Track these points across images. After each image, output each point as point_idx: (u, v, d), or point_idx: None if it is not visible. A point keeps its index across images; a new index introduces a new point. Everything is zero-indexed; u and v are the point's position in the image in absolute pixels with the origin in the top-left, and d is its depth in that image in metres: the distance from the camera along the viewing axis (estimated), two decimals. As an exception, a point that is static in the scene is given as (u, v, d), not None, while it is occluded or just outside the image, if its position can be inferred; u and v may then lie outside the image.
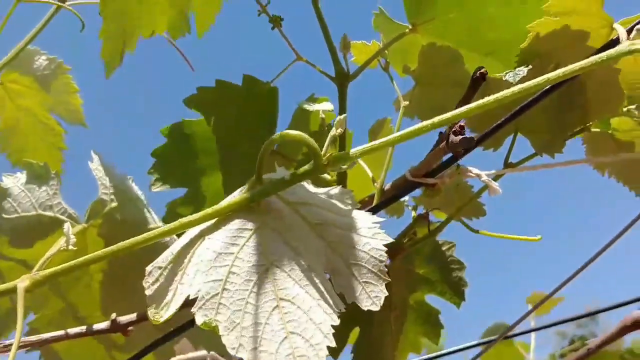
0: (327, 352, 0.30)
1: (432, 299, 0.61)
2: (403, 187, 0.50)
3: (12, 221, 0.53)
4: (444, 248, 0.60)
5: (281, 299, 0.31)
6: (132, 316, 0.46)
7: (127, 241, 0.35)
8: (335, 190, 0.38)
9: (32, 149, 0.76)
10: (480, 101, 0.32)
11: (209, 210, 0.35)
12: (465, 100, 0.45)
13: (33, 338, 0.46)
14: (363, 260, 0.33)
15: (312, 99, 0.64)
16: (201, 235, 0.34)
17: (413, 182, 0.48)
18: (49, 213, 0.53)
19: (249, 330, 0.30)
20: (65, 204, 0.54)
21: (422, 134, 0.33)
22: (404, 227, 0.60)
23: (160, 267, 0.34)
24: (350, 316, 0.59)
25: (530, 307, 0.93)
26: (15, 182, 0.53)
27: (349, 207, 0.37)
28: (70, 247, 0.40)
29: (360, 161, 0.64)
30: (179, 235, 0.36)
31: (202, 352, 0.57)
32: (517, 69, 0.46)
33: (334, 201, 0.37)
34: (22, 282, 0.36)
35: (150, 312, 0.32)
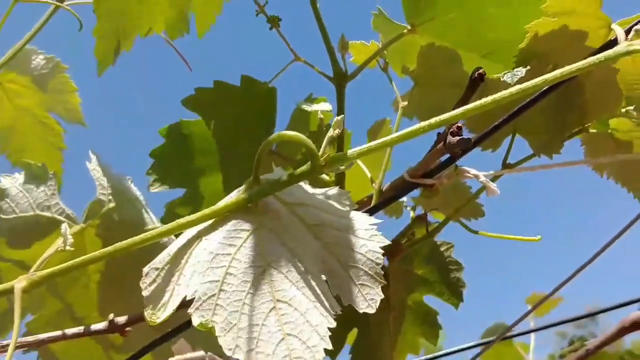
0: (323, 354, 0.30)
1: (431, 300, 0.61)
2: (401, 187, 0.50)
3: (10, 221, 0.52)
4: (442, 249, 0.60)
5: (278, 300, 0.31)
6: (130, 317, 0.46)
7: (125, 242, 0.35)
8: (333, 191, 0.38)
9: (31, 148, 0.76)
10: (478, 102, 0.32)
11: (206, 210, 0.35)
12: (464, 100, 0.45)
13: (30, 338, 0.46)
14: (360, 262, 0.33)
15: (311, 99, 0.64)
16: (198, 236, 0.34)
17: (411, 183, 0.48)
18: (46, 213, 0.53)
19: (245, 332, 0.30)
20: (63, 204, 0.53)
21: (419, 134, 0.33)
22: (402, 228, 0.60)
23: (157, 268, 0.34)
24: (348, 317, 0.59)
25: (529, 307, 0.93)
26: (13, 182, 0.53)
27: (347, 208, 0.36)
28: (68, 247, 0.40)
29: (359, 162, 0.64)
30: (177, 236, 0.36)
31: (200, 353, 0.57)
32: (515, 70, 0.46)
33: (331, 202, 0.37)
34: (19, 283, 0.36)
35: (147, 313, 0.32)
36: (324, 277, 0.33)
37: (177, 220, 0.34)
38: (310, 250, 0.34)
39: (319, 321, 0.30)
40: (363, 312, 0.32)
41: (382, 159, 0.60)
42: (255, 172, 0.35)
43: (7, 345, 0.44)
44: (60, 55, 0.74)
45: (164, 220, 0.60)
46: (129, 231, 0.52)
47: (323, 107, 0.60)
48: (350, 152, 0.34)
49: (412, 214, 0.60)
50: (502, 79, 0.46)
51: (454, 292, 0.59)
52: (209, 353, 0.57)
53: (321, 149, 0.34)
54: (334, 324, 0.31)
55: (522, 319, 0.66)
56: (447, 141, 0.39)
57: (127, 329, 0.46)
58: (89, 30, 0.57)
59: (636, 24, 0.41)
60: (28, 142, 0.75)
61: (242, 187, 0.36)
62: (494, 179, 0.48)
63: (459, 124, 0.39)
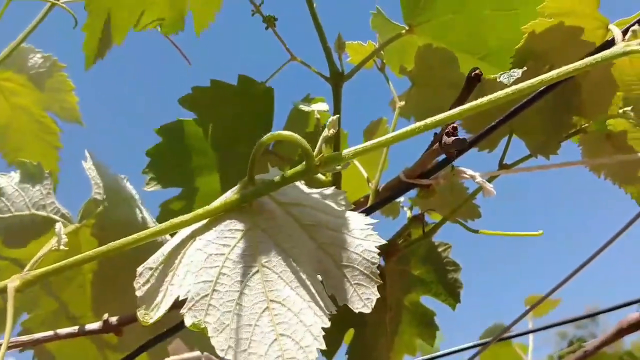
0: (317, 355, 0.29)
1: (430, 301, 0.61)
2: (397, 188, 0.50)
3: (5, 220, 0.52)
4: (439, 249, 0.60)
5: (271, 300, 0.31)
6: (125, 316, 0.46)
7: (118, 241, 0.34)
8: (329, 190, 0.38)
9: (27, 147, 0.76)
10: (474, 102, 0.32)
11: (200, 210, 0.34)
12: (460, 101, 0.45)
13: (24, 338, 0.46)
14: (355, 262, 0.33)
15: (308, 99, 0.64)
16: (192, 236, 0.34)
17: (407, 183, 0.48)
18: (42, 212, 0.53)
19: (238, 332, 0.30)
20: (58, 203, 0.53)
21: (415, 135, 0.33)
22: (399, 228, 0.60)
23: (151, 268, 0.34)
24: (345, 317, 0.59)
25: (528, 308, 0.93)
26: (9, 181, 0.53)
27: (342, 208, 0.36)
28: (62, 247, 0.40)
29: (356, 162, 0.64)
30: (172, 236, 0.36)
31: (196, 353, 0.57)
32: (511, 71, 0.46)
33: (327, 202, 0.37)
34: (13, 282, 0.36)
35: (140, 313, 0.32)
36: (319, 277, 0.33)
37: (171, 220, 0.34)
38: (306, 250, 0.34)
39: (313, 321, 0.30)
40: (359, 312, 0.32)
41: (378, 159, 0.60)
42: (250, 172, 0.35)
43: (0, 344, 0.43)
44: (57, 54, 0.74)
45: (159, 220, 0.60)
46: (124, 231, 0.52)
47: (320, 107, 0.60)
48: (345, 152, 0.34)
49: (408, 214, 0.60)
50: (498, 80, 0.46)
51: (451, 292, 0.59)
52: (204, 353, 0.56)
53: (316, 149, 0.34)
54: (328, 324, 0.30)
55: (518, 320, 0.65)
56: (443, 141, 0.39)
57: (122, 328, 0.46)
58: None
59: (633, 24, 0.41)
60: (24, 141, 0.75)
61: (237, 187, 0.36)
62: (490, 179, 0.48)
63: (455, 125, 0.39)
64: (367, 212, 0.49)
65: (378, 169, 0.58)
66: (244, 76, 0.62)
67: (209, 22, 0.68)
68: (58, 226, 0.40)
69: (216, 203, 0.35)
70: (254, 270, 0.32)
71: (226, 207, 0.35)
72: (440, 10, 0.57)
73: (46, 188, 0.53)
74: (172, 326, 0.45)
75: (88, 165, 0.54)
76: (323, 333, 0.30)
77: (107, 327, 0.46)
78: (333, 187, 0.38)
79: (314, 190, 0.38)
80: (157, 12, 0.60)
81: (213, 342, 0.29)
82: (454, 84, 0.53)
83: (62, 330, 0.46)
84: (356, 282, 0.33)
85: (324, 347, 0.30)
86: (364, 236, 0.34)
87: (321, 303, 0.31)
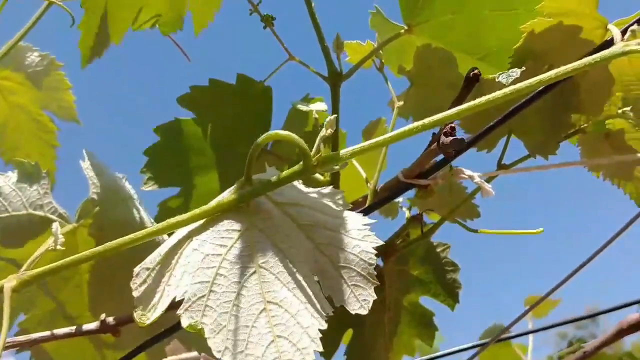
0: (314, 356, 0.29)
1: (429, 301, 0.61)
2: (396, 188, 0.50)
3: (2, 220, 0.52)
4: (438, 249, 0.60)
5: (268, 301, 0.31)
6: (122, 317, 0.46)
7: (115, 241, 0.34)
8: (327, 190, 0.37)
9: (25, 146, 0.76)
10: (472, 102, 0.32)
11: (196, 210, 0.34)
12: (459, 100, 0.45)
13: (21, 338, 0.45)
14: (352, 262, 0.33)
15: (307, 99, 0.64)
16: (189, 236, 0.34)
17: (406, 183, 0.48)
18: (39, 212, 0.53)
19: (235, 333, 0.29)
20: (55, 203, 0.53)
21: (413, 134, 0.33)
22: (398, 229, 0.60)
23: (148, 269, 0.33)
24: (343, 318, 0.59)
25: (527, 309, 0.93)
26: (6, 181, 0.53)
27: (340, 208, 0.36)
28: (59, 247, 0.39)
29: (354, 162, 0.64)
30: (169, 235, 0.36)
31: (194, 353, 0.57)
32: (510, 71, 0.46)
33: (325, 201, 0.36)
34: (9, 282, 0.36)
35: (137, 314, 0.32)
36: (316, 277, 0.33)
37: (167, 220, 0.34)
38: (303, 250, 0.33)
39: (310, 323, 0.30)
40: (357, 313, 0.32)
41: (377, 159, 0.60)
42: (247, 172, 0.35)
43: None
44: (54, 53, 0.73)
45: (158, 219, 0.60)
46: (122, 230, 0.52)
47: (318, 107, 0.60)
48: (343, 152, 0.34)
49: (407, 214, 0.60)
50: (497, 80, 0.45)
51: (449, 293, 0.59)
52: (202, 354, 0.56)
53: (314, 149, 0.34)
54: (325, 326, 0.30)
55: (518, 320, 0.65)
56: (441, 141, 0.39)
57: (119, 329, 0.46)
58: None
59: (632, 24, 0.40)
60: (22, 140, 0.75)
61: (234, 187, 0.36)
62: (489, 179, 0.48)
63: (453, 125, 0.39)
64: (366, 212, 0.49)
65: (377, 169, 0.58)
66: (243, 75, 0.62)
67: (209, 22, 0.68)
68: (55, 226, 0.40)
69: (213, 203, 0.35)
70: (251, 271, 0.32)
71: (223, 207, 0.34)
72: (439, 10, 0.57)
73: (43, 188, 0.53)
74: (170, 326, 0.45)
75: (86, 164, 0.54)
76: (320, 335, 0.30)
77: (104, 327, 0.46)
78: (331, 187, 0.38)
79: (312, 189, 0.38)
80: (155, 11, 0.60)
81: (210, 343, 0.29)
82: (453, 84, 0.53)
83: (60, 331, 0.46)
84: (353, 283, 0.32)
85: (321, 349, 0.30)
86: (361, 237, 0.34)
87: (318, 305, 0.31)
